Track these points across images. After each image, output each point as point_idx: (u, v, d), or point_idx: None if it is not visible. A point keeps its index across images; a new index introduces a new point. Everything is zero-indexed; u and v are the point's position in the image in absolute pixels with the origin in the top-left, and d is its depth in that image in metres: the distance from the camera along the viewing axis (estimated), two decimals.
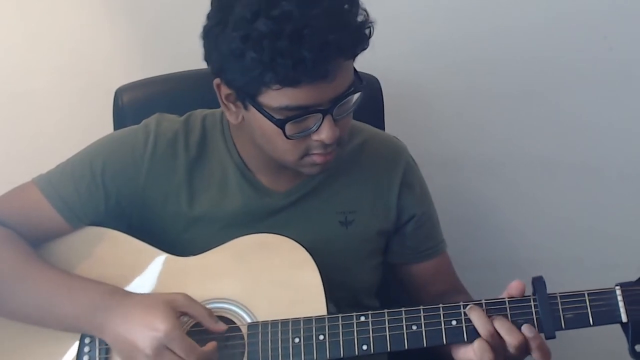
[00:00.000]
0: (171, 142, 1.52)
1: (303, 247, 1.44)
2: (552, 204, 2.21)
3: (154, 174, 1.51)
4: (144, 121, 1.56)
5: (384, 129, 1.83)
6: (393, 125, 1.86)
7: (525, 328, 1.35)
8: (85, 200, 1.50)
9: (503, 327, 1.34)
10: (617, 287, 1.37)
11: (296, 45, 1.27)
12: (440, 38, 2.10)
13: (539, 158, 2.20)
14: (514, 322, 1.35)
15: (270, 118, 1.35)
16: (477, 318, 1.35)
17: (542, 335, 1.36)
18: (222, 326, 1.39)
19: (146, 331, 1.34)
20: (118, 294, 1.41)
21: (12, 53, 1.99)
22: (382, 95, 1.85)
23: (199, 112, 1.58)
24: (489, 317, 1.35)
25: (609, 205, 2.21)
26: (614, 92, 2.14)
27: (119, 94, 1.80)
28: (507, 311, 1.36)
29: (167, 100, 1.76)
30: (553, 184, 2.20)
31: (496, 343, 1.33)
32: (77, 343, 1.44)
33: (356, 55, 1.36)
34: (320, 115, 1.35)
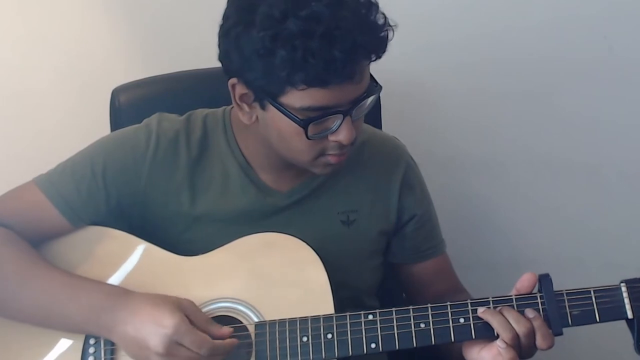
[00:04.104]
0: (173, 142, 1.51)
1: (309, 245, 1.44)
2: (552, 203, 2.22)
3: (156, 174, 1.50)
4: (144, 120, 1.55)
5: (381, 128, 1.83)
6: (391, 125, 1.86)
7: (526, 310, 1.37)
8: (86, 200, 1.49)
9: (511, 316, 1.36)
10: (622, 284, 1.39)
11: (327, 45, 1.27)
12: (439, 38, 2.10)
13: (539, 158, 2.20)
14: None
15: (293, 118, 1.34)
16: (498, 324, 1.35)
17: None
18: (226, 329, 1.39)
19: (155, 329, 1.34)
20: (124, 294, 1.41)
21: (12, 53, 1.99)
22: (379, 94, 1.85)
23: (200, 112, 1.57)
24: (495, 308, 1.37)
25: (609, 205, 2.22)
26: (614, 92, 2.14)
27: (115, 94, 1.79)
28: (514, 308, 1.37)
29: (164, 101, 1.75)
30: (553, 183, 2.21)
31: (516, 344, 1.35)
32: (81, 343, 1.43)
33: (380, 57, 1.36)
34: (340, 116, 1.35)
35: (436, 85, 2.13)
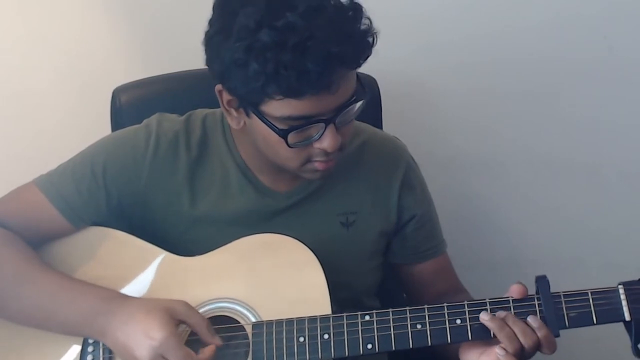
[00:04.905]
0: (172, 142, 1.52)
1: (307, 246, 1.44)
2: (552, 203, 2.22)
3: (155, 174, 1.50)
4: (144, 121, 1.56)
5: (382, 128, 1.83)
6: (391, 125, 1.86)
7: (531, 319, 1.36)
8: (87, 201, 1.49)
9: (518, 328, 1.35)
10: (620, 286, 1.38)
11: (300, 57, 1.26)
12: (438, 38, 2.10)
13: (539, 158, 2.20)
14: None
15: (272, 127, 1.34)
16: (505, 336, 1.35)
17: None
18: (218, 341, 1.39)
19: (143, 339, 1.34)
20: (119, 299, 1.41)
21: (12, 53, 1.99)
22: (379, 95, 1.85)
23: (199, 112, 1.57)
24: (492, 309, 1.37)
25: (609, 205, 2.22)
26: (613, 91, 2.14)
27: (116, 94, 1.80)
28: (511, 310, 1.37)
29: (164, 100, 1.76)
30: (553, 183, 2.21)
31: (519, 353, 1.35)
32: (80, 343, 1.44)
33: (360, 65, 1.35)
34: (322, 125, 1.35)
35: (436, 85, 2.13)
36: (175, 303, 1.39)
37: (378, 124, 1.84)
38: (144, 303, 1.39)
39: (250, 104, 1.35)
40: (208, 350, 1.37)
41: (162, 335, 1.33)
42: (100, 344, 1.43)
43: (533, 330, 1.35)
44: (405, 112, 2.11)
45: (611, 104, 2.14)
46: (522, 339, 1.34)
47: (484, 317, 1.36)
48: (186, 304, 1.39)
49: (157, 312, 1.36)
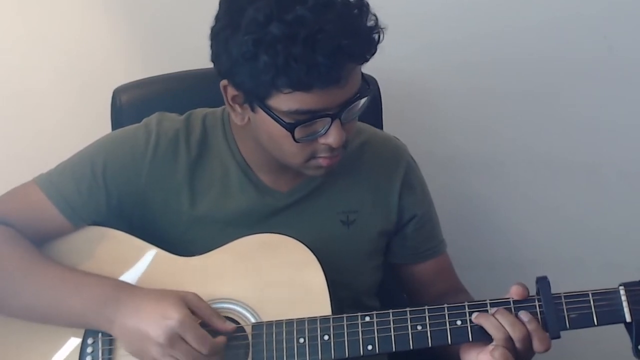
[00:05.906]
0: (172, 142, 1.52)
1: (307, 246, 1.44)
2: (552, 203, 2.21)
3: (155, 174, 1.51)
4: (144, 120, 1.56)
5: (382, 128, 1.83)
6: (392, 125, 1.86)
7: (521, 313, 1.36)
8: (87, 200, 1.49)
9: (506, 320, 1.35)
10: (621, 287, 1.38)
11: (310, 50, 1.27)
12: (438, 38, 2.10)
13: (539, 157, 2.20)
14: None
15: (279, 121, 1.34)
16: (491, 324, 1.35)
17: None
18: (230, 326, 1.39)
19: (159, 320, 1.34)
20: (127, 287, 1.42)
21: (12, 53, 1.99)
22: (380, 94, 1.86)
23: (199, 111, 1.58)
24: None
25: (609, 205, 2.22)
26: (613, 91, 2.14)
27: (116, 94, 1.80)
28: (511, 311, 1.37)
29: (165, 100, 1.76)
30: (553, 183, 2.21)
31: (510, 345, 1.34)
32: (79, 342, 1.44)
33: (367, 60, 1.35)
34: (328, 120, 1.35)
35: (436, 85, 2.13)
36: (186, 293, 1.40)
37: (378, 123, 1.84)
38: (155, 292, 1.40)
39: (257, 98, 1.35)
40: (221, 338, 1.38)
41: (179, 315, 1.34)
42: (100, 341, 1.43)
43: (523, 323, 1.35)
44: (405, 112, 2.11)
45: (611, 104, 2.14)
46: (510, 332, 1.34)
47: (474, 315, 1.37)
48: (196, 295, 1.40)
49: (170, 298, 1.37)
